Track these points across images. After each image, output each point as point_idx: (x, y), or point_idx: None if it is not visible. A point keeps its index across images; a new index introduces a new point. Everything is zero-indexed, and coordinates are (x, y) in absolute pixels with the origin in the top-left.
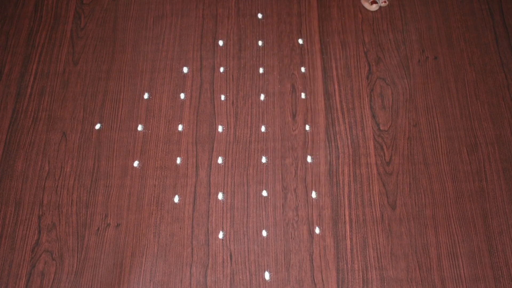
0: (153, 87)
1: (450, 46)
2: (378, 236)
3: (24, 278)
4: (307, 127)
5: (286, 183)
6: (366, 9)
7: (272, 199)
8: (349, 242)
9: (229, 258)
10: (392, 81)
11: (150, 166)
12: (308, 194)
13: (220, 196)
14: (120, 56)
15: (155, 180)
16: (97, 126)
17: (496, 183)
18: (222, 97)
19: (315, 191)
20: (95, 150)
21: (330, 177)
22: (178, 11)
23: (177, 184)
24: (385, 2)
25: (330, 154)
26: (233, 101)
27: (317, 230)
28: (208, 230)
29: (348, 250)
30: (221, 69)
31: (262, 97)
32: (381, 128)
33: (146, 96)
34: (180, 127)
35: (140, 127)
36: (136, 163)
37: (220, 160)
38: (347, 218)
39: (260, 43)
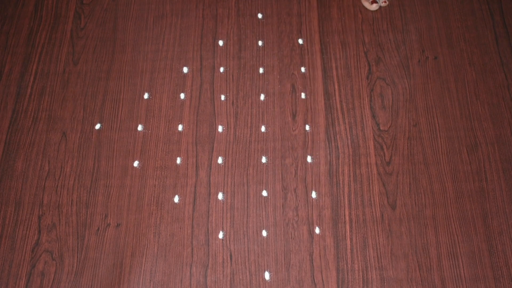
0: (153, 87)
1: (450, 46)
2: (378, 236)
3: (24, 278)
4: (307, 127)
5: (286, 183)
6: (366, 9)
7: (272, 199)
8: (349, 242)
9: (229, 258)
10: (392, 81)
11: (150, 166)
12: (308, 194)
13: (220, 196)
14: (120, 56)
15: (155, 180)
16: (97, 126)
17: (496, 183)
18: (222, 97)
19: (315, 191)
20: (95, 150)
21: (330, 177)
22: (178, 11)
23: (177, 184)
24: (385, 2)
25: (330, 154)
26: (233, 101)
27: (317, 230)
28: (208, 230)
29: (348, 250)
30: (221, 69)
31: (262, 97)
32: (381, 128)
33: (146, 96)
34: (180, 127)
35: (140, 127)
36: (136, 163)
37: (220, 160)
38: (347, 218)
39: (260, 43)
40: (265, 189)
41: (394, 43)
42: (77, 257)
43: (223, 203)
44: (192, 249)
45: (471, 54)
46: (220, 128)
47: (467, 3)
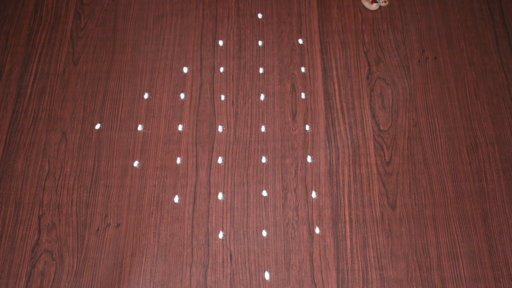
0: (153, 87)
1: (450, 46)
2: (378, 236)
3: (24, 278)
4: (307, 127)
5: (286, 183)
6: (366, 9)
7: (272, 199)
8: (349, 242)
9: (229, 258)
10: (392, 81)
11: (150, 166)
12: (308, 194)
13: (220, 196)
14: (120, 56)
15: (155, 180)
16: (97, 126)
17: (496, 183)
18: (222, 97)
19: (315, 191)
20: (95, 150)
21: (330, 177)
22: (178, 11)
23: (177, 184)
24: (385, 2)
25: (330, 154)
26: (233, 101)
27: (317, 230)
28: (208, 230)
29: (348, 250)
30: (221, 69)
31: (262, 97)
32: (381, 128)
33: (146, 96)
34: (180, 127)
35: (140, 127)
36: (136, 163)
37: (220, 160)
38: (347, 218)
39: (260, 43)
40: (265, 189)
41: (394, 43)
42: (77, 257)
43: (223, 203)
44: (192, 249)
45: (471, 54)
46: (220, 128)
47: (467, 3)
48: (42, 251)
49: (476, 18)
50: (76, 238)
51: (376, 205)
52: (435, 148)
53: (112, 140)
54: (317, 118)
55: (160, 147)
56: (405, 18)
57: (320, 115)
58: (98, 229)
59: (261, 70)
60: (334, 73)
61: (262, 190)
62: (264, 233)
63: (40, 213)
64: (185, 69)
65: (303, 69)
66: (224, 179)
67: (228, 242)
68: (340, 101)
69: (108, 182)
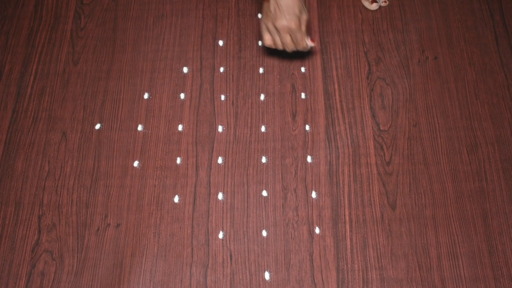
0: (153, 87)
1: (450, 46)
2: (378, 236)
3: (24, 278)
4: (307, 127)
5: (286, 183)
6: (366, 9)
7: (272, 199)
8: (349, 242)
9: (229, 258)
10: (392, 81)
11: (150, 166)
12: (308, 194)
13: (220, 196)
14: (120, 56)
15: (155, 180)
16: (97, 126)
17: (496, 183)
18: (222, 97)
19: (315, 191)
20: (95, 150)
21: (330, 177)
22: (178, 11)
23: (177, 184)
24: (385, 1)
25: (330, 154)
26: (233, 101)
27: (317, 230)
28: (208, 230)
29: (348, 250)
30: (221, 69)
31: (262, 97)
32: (381, 128)
33: (146, 96)
34: (180, 127)
35: (140, 127)
36: (136, 163)
37: (220, 160)
38: (347, 218)
39: (260, 43)
40: (265, 189)
41: (394, 43)
42: (77, 257)
43: (223, 203)
44: (192, 249)
45: (471, 54)
46: (220, 128)
47: (467, 3)
48: (42, 251)
49: (476, 18)
50: (76, 238)
51: (376, 205)
52: (435, 148)
53: (112, 140)
54: (317, 118)
55: (160, 147)
56: (405, 18)
57: (320, 115)
58: (98, 229)
59: (261, 70)
60: (334, 73)
61: (262, 190)
62: (264, 233)
63: (40, 213)
64: (185, 69)
65: (303, 69)
66: (224, 179)
67: (228, 242)
68: (340, 101)
69: (108, 182)
